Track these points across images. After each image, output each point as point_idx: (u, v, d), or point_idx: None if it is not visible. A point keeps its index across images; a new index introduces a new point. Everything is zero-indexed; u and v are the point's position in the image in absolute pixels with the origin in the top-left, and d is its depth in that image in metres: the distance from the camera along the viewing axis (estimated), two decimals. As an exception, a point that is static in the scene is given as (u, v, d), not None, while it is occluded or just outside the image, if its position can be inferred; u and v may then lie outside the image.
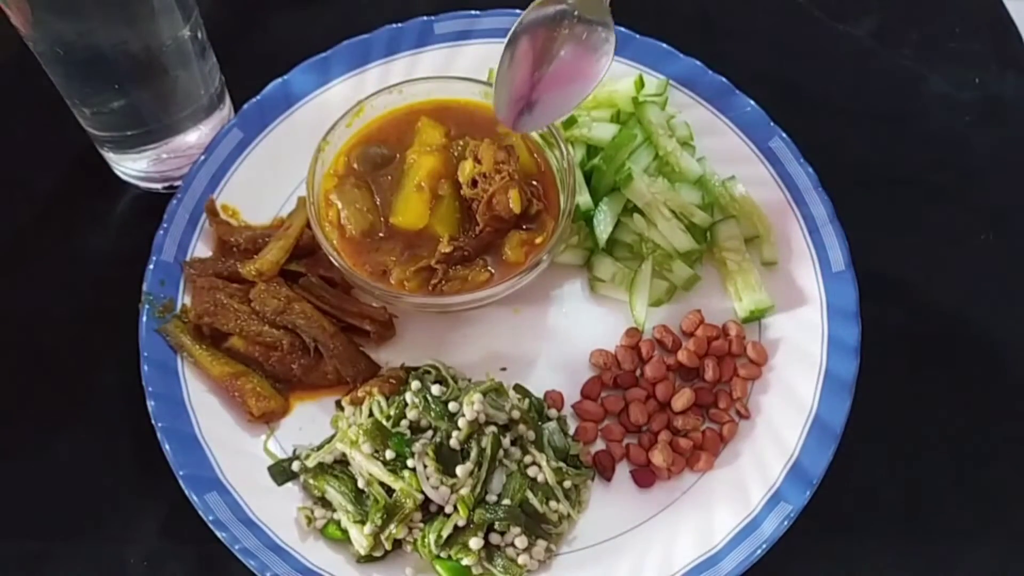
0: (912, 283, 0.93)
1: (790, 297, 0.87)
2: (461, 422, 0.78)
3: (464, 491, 0.76)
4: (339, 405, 0.84)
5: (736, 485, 0.81)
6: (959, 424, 0.87)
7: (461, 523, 0.76)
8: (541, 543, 0.78)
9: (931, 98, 1.03)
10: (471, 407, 0.78)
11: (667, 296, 0.89)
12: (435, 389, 0.81)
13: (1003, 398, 0.89)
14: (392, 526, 0.76)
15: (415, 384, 0.82)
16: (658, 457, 0.81)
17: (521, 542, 0.77)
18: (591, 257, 0.91)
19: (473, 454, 0.78)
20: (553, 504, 0.79)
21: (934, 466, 0.86)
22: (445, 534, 0.76)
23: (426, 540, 0.76)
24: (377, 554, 0.77)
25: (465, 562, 0.76)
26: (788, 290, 0.88)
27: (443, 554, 0.77)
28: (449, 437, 0.78)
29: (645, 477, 0.82)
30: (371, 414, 0.81)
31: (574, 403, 0.86)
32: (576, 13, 0.79)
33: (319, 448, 0.81)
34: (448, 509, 0.77)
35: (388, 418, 0.80)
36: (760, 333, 0.88)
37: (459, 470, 0.76)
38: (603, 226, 0.89)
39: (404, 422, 0.80)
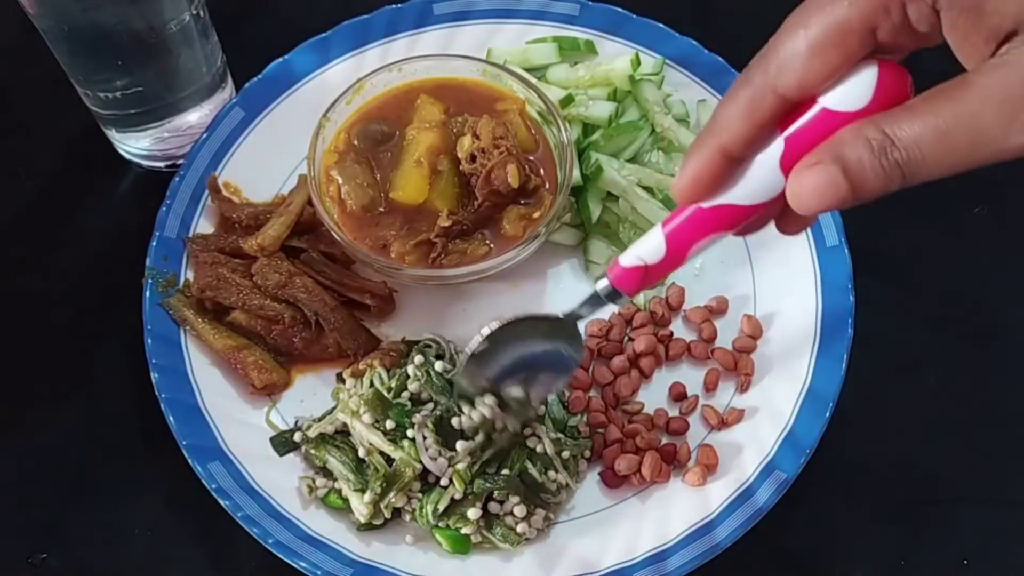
0: (906, 256, 0.94)
1: (784, 271, 0.89)
2: (474, 414, 0.77)
3: (461, 465, 0.77)
4: (340, 378, 0.85)
5: (731, 454, 0.82)
6: (952, 393, 0.89)
7: (458, 496, 0.77)
8: (540, 512, 0.79)
9: (924, 75, 1.04)
10: (485, 407, 0.77)
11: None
12: (438, 365, 0.82)
13: (996, 367, 0.90)
14: (392, 495, 0.77)
15: (418, 358, 0.83)
16: (621, 463, 0.81)
17: (520, 511, 0.78)
18: (585, 241, 0.92)
19: (479, 439, 0.78)
20: (552, 474, 0.80)
21: (928, 434, 0.87)
22: (442, 507, 0.77)
23: (424, 511, 0.78)
24: (377, 522, 0.78)
25: (464, 531, 0.77)
26: (782, 264, 0.89)
27: (441, 523, 0.78)
28: (449, 411, 0.79)
29: (614, 480, 0.82)
30: (372, 385, 0.82)
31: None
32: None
33: (321, 419, 0.82)
34: (444, 481, 0.77)
35: (389, 390, 0.81)
36: (755, 306, 0.89)
37: (459, 446, 0.77)
38: (590, 213, 0.90)
39: (405, 394, 0.81)
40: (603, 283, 0.64)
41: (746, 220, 0.56)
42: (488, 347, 0.74)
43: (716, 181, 0.54)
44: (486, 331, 0.73)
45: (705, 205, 0.56)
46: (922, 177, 0.45)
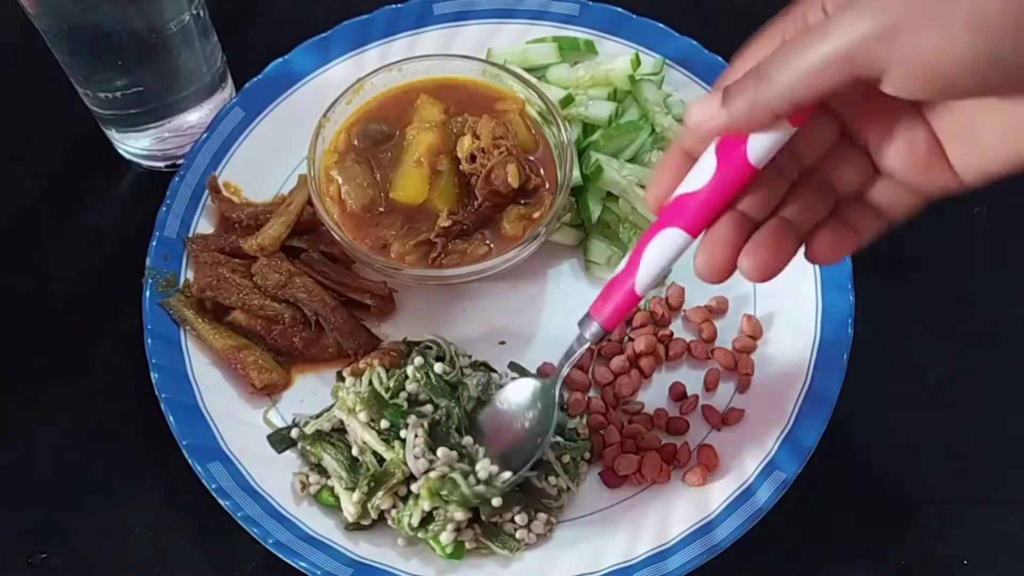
0: (906, 256, 0.94)
1: (784, 271, 0.88)
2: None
3: (434, 474, 0.75)
4: (340, 376, 0.85)
5: (731, 454, 0.82)
6: (952, 393, 0.89)
7: (427, 507, 0.75)
8: (542, 516, 0.79)
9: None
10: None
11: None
12: (438, 367, 0.82)
13: (996, 367, 0.90)
14: (379, 495, 0.77)
15: (418, 360, 0.82)
16: (621, 464, 0.81)
17: (521, 519, 0.77)
18: (585, 241, 0.92)
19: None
20: (552, 479, 0.80)
21: (928, 434, 0.87)
22: (415, 521, 0.76)
23: (401, 522, 0.77)
24: (365, 523, 0.78)
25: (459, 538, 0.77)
26: (782, 263, 0.89)
27: (420, 535, 0.76)
28: (450, 416, 0.79)
29: (614, 480, 0.82)
30: (370, 384, 0.81)
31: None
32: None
33: (319, 416, 0.82)
34: (414, 489, 0.76)
35: (387, 390, 0.81)
36: (755, 306, 0.89)
37: (440, 452, 0.76)
38: (590, 213, 0.90)
39: (402, 394, 0.81)
40: (584, 322, 0.69)
41: (691, 215, 0.58)
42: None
43: (674, 177, 0.59)
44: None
45: (665, 205, 0.59)
46: (775, 80, 0.51)
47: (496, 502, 0.76)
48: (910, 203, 0.59)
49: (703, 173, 0.57)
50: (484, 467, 0.76)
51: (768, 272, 0.59)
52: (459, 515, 0.75)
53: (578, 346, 0.73)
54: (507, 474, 0.76)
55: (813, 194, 0.59)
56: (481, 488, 0.75)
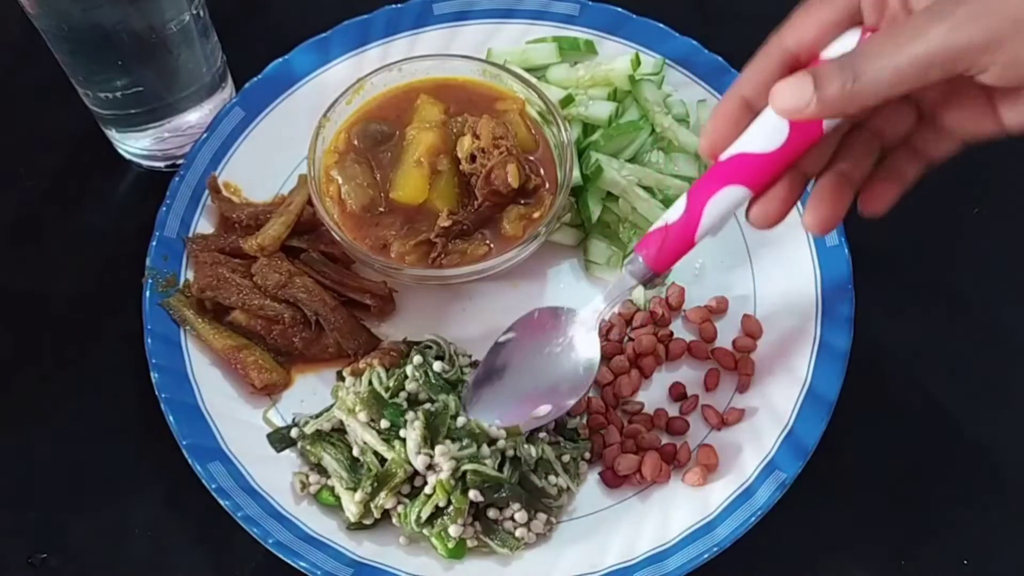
0: (906, 256, 0.94)
1: (784, 271, 0.89)
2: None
3: (444, 475, 0.75)
4: (340, 375, 0.85)
5: (731, 454, 0.82)
6: (953, 393, 0.89)
7: (442, 503, 0.76)
8: (541, 516, 0.79)
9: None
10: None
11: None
12: (436, 366, 0.82)
13: (996, 367, 0.90)
14: (382, 495, 0.77)
15: (417, 359, 0.83)
16: (621, 463, 0.81)
17: (521, 517, 0.77)
18: (585, 241, 0.92)
19: (468, 450, 0.77)
20: (552, 478, 0.80)
21: (928, 434, 0.87)
22: (425, 515, 0.76)
23: (408, 517, 0.77)
24: (367, 522, 0.78)
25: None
26: (782, 264, 0.89)
27: (425, 531, 0.77)
28: (446, 409, 0.79)
29: (614, 480, 0.82)
30: (370, 384, 0.81)
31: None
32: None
33: (318, 415, 0.82)
34: (428, 490, 0.76)
35: (387, 389, 0.81)
36: (755, 306, 0.89)
37: (438, 449, 0.76)
38: (590, 213, 0.90)
39: (402, 394, 0.81)
40: (630, 258, 0.70)
41: (758, 175, 0.61)
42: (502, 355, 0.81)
43: (733, 126, 0.62)
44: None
45: (722, 158, 0.62)
46: (871, 75, 0.54)
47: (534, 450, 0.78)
48: (951, 147, 0.63)
49: (773, 136, 0.60)
50: (500, 438, 0.77)
51: (829, 225, 0.63)
52: (472, 494, 0.75)
53: (624, 284, 0.74)
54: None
55: (863, 145, 0.63)
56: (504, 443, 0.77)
